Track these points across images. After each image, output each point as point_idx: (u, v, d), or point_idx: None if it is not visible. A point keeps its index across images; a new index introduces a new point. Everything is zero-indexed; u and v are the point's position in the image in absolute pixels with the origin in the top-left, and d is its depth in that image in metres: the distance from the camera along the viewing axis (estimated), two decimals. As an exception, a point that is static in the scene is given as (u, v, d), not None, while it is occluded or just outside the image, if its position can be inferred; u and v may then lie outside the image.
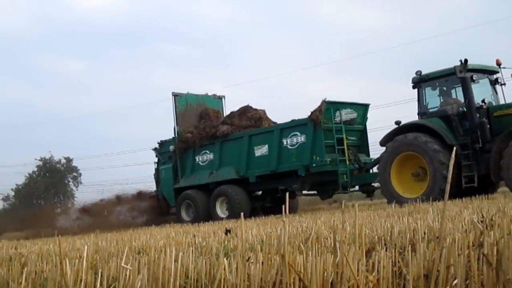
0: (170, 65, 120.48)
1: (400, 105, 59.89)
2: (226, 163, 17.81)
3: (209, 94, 20.82)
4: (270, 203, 18.00)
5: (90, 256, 4.00)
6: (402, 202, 11.95)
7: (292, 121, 16.73)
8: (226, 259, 2.74)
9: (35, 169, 68.44)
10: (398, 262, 2.62)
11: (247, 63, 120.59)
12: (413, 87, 14.29)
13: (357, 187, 17.04)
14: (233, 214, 16.47)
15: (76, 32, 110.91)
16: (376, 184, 15.74)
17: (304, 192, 17.52)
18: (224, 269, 2.45)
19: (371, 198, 17.66)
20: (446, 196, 2.02)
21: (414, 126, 13.76)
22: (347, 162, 15.70)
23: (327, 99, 15.74)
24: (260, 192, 18.48)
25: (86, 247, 3.15)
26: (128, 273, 2.43)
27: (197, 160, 18.59)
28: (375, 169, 15.66)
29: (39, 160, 68.24)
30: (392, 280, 2.34)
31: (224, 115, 19.85)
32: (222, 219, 15.99)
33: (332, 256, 2.25)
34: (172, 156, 19.31)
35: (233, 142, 17.81)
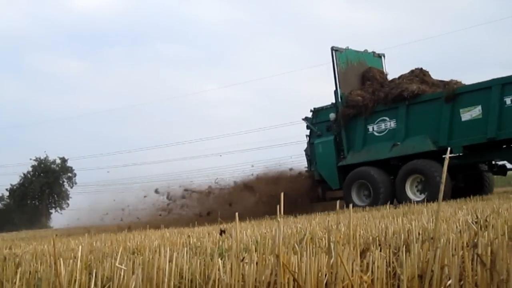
0: (167, 64, 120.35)
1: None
2: (415, 132, 14.10)
3: (368, 51, 17.15)
4: (462, 182, 14.25)
5: (84, 256, 3.99)
6: None
7: None
8: (221, 259, 2.74)
9: (30, 169, 68.51)
10: (393, 262, 2.63)
11: (245, 63, 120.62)
12: None
13: None
14: (431, 195, 12.93)
15: (72, 32, 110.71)
16: None
17: None
18: (219, 269, 2.45)
19: None
20: (440, 197, 2.03)
21: None
22: None
23: None
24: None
25: (80, 247, 3.14)
26: (122, 273, 2.43)
27: (370, 129, 14.95)
28: None
29: (34, 160, 68.34)
30: (386, 281, 2.34)
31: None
32: (414, 202, 12.22)
33: (327, 256, 2.25)
34: (333, 126, 15.75)
35: (426, 105, 14.10)
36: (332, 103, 15.84)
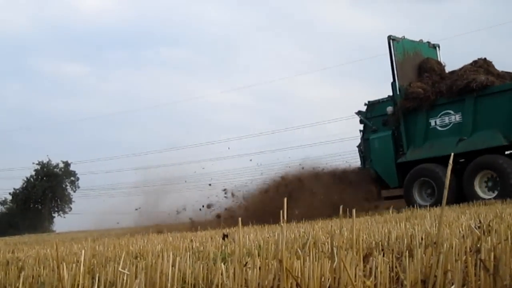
0: (170, 68, 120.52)
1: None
2: (484, 126, 13.16)
3: (424, 41, 16.28)
4: None
5: (87, 260, 3.99)
6: None
7: None
8: (224, 264, 2.74)
9: (33, 173, 68.56)
10: (396, 267, 2.62)
11: (247, 68, 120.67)
12: None
13: None
14: (504, 193, 12.20)
15: (75, 36, 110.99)
16: None
17: None
18: (222, 274, 2.45)
19: None
20: (444, 201, 2.02)
21: None
22: None
23: None
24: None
25: (83, 252, 3.14)
26: (125, 278, 2.43)
27: (432, 123, 14.02)
28: None
29: (36, 164, 68.38)
30: (389, 286, 2.34)
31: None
32: (483, 199, 11.77)
33: (330, 261, 2.25)
34: (390, 120, 14.82)
35: (496, 97, 13.12)
36: (389, 96, 14.99)
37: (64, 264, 2.40)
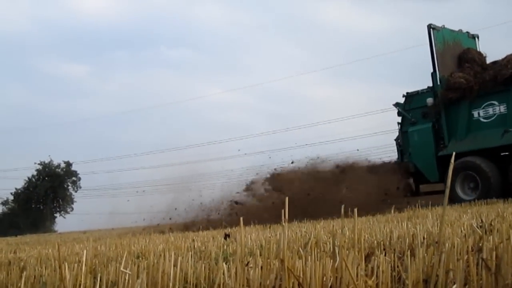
0: (172, 68, 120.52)
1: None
2: None
3: (463, 31, 15.96)
4: None
5: (89, 260, 3.99)
6: None
7: None
8: (225, 263, 2.74)
9: (35, 173, 68.60)
10: (397, 266, 2.62)
11: (250, 68, 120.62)
12: None
13: None
14: None
15: (77, 36, 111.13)
16: None
17: None
18: (223, 273, 2.45)
19: None
20: (446, 201, 2.02)
21: None
22: None
23: None
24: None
25: (85, 252, 3.14)
26: (127, 278, 2.43)
27: (475, 115, 13.56)
28: None
29: (38, 164, 68.42)
30: (391, 285, 2.34)
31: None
32: None
33: (331, 260, 2.25)
34: (430, 112, 14.37)
35: None
36: (429, 87, 14.51)
37: (66, 264, 2.40)
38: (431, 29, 14.22)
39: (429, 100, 14.29)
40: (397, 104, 15.31)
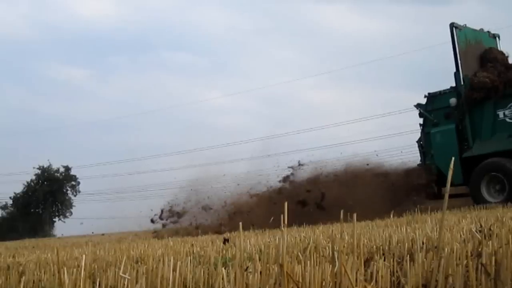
0: (172, 72, 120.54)
1: (404, 114, 59.71)
2: None
3: (484, 30, 15.77)
4: None
5: (88, 265, 3.99)
6: None
7: None
8: (224, 268, 2.74)
9: (34, 177, 68.55)
10: (397, 272, 2.62)
11: (249, 72, 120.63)
12: None
13: None
14: None
15: (77, 40, 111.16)
16: None
17: None
18: (222, 278, 2.45)
19: None
20: (445, 206, 2.02)
21: None
22: None
23: None
24: None
25: (84, 256, 3.14)
26: (126, 282, 2.43)
27: (501, 115, 13.21)
28: None
29: (37, 168, 68.37)
30: (390, 290, 2.34)
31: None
32: None
33: (331, 265, 2.25)
34: (454, 112, 14.00)
35: None
36: (452, 87, 14.22)
37: (65, 268, 2.40)
38: (454, 28, 14.02)
39: (452, 100, 14.03)
40: (418, 105, 15.01)
